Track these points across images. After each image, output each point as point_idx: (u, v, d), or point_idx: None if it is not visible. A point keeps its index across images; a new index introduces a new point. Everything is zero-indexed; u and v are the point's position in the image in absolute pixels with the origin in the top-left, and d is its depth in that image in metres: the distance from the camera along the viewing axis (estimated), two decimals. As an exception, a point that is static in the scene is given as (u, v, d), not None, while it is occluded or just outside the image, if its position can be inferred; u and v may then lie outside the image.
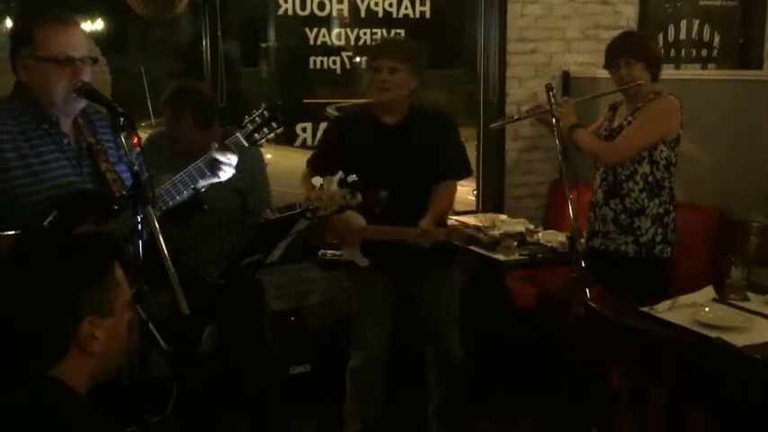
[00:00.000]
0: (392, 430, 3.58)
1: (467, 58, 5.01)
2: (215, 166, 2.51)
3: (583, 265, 3.12)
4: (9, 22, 3.46)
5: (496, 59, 4.82)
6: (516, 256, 3.91)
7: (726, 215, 4.03)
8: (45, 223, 2.18)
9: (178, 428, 2.59)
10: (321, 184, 2.98)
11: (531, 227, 4.34)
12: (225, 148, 2.53)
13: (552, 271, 3.95)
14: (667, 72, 3.77)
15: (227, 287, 3.05)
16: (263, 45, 4.59)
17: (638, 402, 2.81)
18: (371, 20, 4.56)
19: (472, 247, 3.85)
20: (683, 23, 5.25)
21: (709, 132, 4.02)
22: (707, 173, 4.09)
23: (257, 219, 3.10)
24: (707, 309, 2.86)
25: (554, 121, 3.39)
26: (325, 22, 4.48)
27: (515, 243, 3.97)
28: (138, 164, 2.12)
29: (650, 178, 3.38)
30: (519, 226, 4.34)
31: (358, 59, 4.56)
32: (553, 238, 4.11)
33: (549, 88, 3.45)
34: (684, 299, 2.94)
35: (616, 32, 4.84)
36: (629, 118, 3.42)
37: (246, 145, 2.58)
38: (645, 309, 2.87)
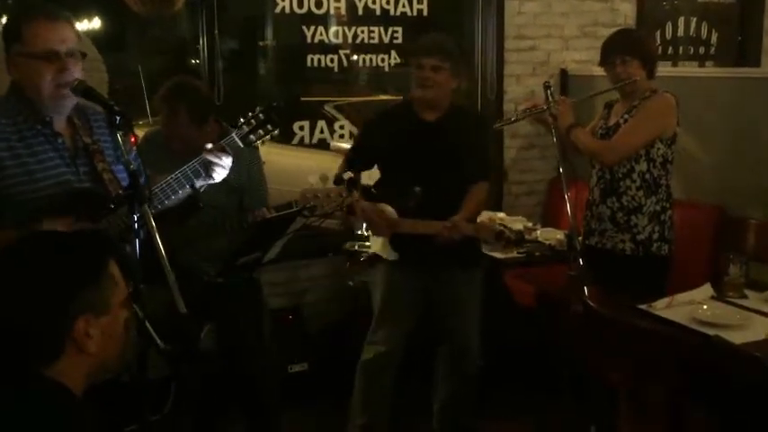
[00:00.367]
0: (396, 426, 3.57)
1: (464, 55, 4.99)
2: (209, 167, 2.50)
3: (581, 263, 3.11)
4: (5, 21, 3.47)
5: (494, 57, 4.82)
6: (514, 254, 3.91)
7: (724, 212, 4.03)
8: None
9: (176, 427, 2.59)
10: (319, 179, 2.99)
11: (530, 225, 4.34)
12: (219, 150, 2.52)
13: (550, 269, 3.94)
14: (665, 69, 3.77)
15: (224, 286, 3.05)
16: (261, 43, 4.58)
17: (637, 400, 2.81)
18: (369, 18, 4.56)
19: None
20: (681, 21, 5.25)
21: (707, 130, 4.02)
22: (705, 170, 4.09)
23: (254, 217, 3.09)
24: (705, 306, 2.86)
25: (551, 119, 3.38)
26: (323, 20, 4.47)
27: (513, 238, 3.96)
28: (136, 163, 2.12)
29: (647, 176, 3.37)
30: (517, 224, 4.33)
31: (355, 58, 4.56)
32: (551, 236, 4.11)
33: (546, 86, 3.44)
34: (682, 296, 2.94)
35: (614, 30, 4.88)
36: (626, 116, 3.41)
37: (242, 146, 2.57)
38: (643, 306, 2.87)
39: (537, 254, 3.97)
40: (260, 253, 3.12)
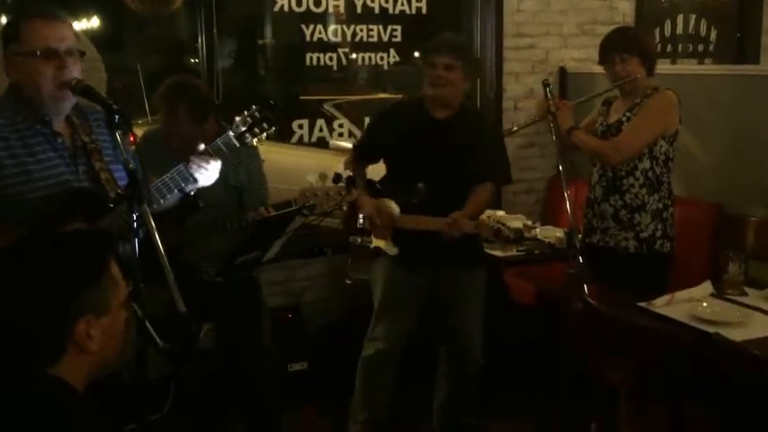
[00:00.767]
0: (396, 423, 3.58)
1: (463, 53, 4.99)
2: (195, 171, 2.49)
3: (580, 260, 3.11)
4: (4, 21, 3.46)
5: (493, 55, 4.81)
6: (514, 252, 3.90)
7: (723, 210, 4.03)
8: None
9: (176, 427, 2.59)
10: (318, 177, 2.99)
11: (529, 223, 4.34)
12: (207, 155, 2.52)
13: (550, 267, 3.94)
14: (664, 67, 3.77)
15: (223, 285, 3.05)
16: (260, 42, 4.58)
17: (638, 398, 2.81)
18: (368, 16, 4.55)
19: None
20: (680, 18, 5.25)
21: (706, 127, 4.02)
22: (705, 168, 4.09)
23: (253, 216, 3.09)
24: (705, 304, 2.86)
25: (550, 117, 3.38)
26: (322, 19, 4.47)
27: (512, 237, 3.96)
28: (135, 162, 2.11)
29: (650, 173, 3.37)
30: (517, 222, 4.33)
31: (354, 56, 4.55)
32: (551, 234, 4.11)
33: (545, 84, 3.44)
34: (682, 294, 2.94)
35: (613, 28, 4.87)
36: (628, 114, 3.40)
37: (238, 145, 2.57)
38: (642, 304, 2.87)
39: (536, 252, 3.97)
40: (259, 252, 3.12)
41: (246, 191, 3.26)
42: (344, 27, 4.52)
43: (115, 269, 1.53)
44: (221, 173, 2.61)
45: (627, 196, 3.40)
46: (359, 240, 3.48)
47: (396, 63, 4.62)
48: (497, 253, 3.88)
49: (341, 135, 4.59)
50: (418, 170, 3.25)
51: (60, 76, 2.25)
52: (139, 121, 4.10)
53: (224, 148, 2.54)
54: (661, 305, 2.86)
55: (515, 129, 3.70)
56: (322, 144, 4.55)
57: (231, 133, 2.56)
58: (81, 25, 4.11)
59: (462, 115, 3.36)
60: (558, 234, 4.04)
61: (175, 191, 2.47)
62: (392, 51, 4.62)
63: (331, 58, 4.50)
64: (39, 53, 2.23)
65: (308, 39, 4.45)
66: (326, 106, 4.58)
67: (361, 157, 3.50)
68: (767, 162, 3.90)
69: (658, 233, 3.38)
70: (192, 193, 2.52)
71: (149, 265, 2.01)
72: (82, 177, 2.33)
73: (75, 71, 2.28)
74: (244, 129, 2.57)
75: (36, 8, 2.32)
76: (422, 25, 4.59)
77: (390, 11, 4.59)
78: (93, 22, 4.21)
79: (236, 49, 4.55)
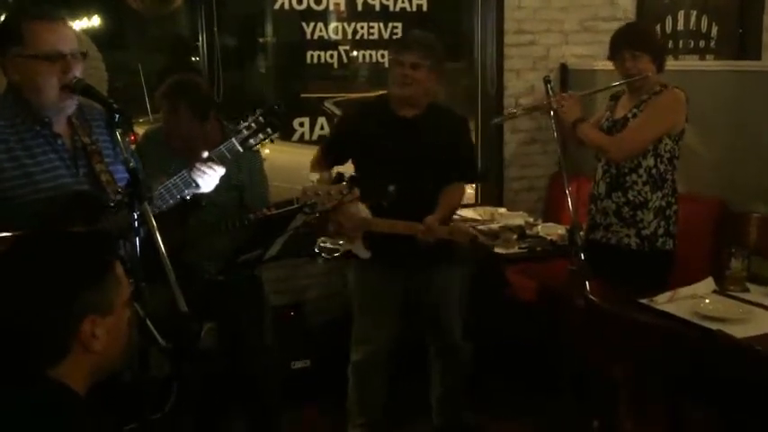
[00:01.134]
0: (395, 422, 3.58)
1: (464, 50, 4.99)
2: (200, 177, 2.49)
3: (582, 257, 3.11)
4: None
5: (494, 52, 4.80)
6: (516, 250, 3.91)
7: (726, 206, 4.02)
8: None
9: (177, 426, 2.59)
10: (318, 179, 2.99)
11: (531, 220, 4.34)
12: (210, 161, 2.51)
13: (552, 264, 3.94)
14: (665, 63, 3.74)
15: (225, 284, 3.05)
16: (260, 40, 4.57)
17: (639, 396, 2.81)
18: (368, 13, 4.55)
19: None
20: (681, 14, 5.24)
21: (708, 124, 4.01)
22: (707, 164, 4.08)
23: (255, 215, 3.09)
24: (707, 300, 2.86)
25: (552, 113, 3.38)
26: (322, 17, 4.46)
27: (515, 236, 3.96)
28: (135, 161, 2.11)
29: (654, 171, 3.36)
30: (518, 219, 4.34)
31: (355, 54, 4.55)
32: (552, 231, 4.11)
33: (546, 81, 3.43)
34: (684, 290, 2.94)
35: (614, 24, 4.85)
36: (634, 110, 3.39)
37: (241, 150, 2.56)
38: (644, 301, 2.87)
39: (538, 249, 3.97)
40: (261, 250, 3.12)
41: (248, 190, 3.26)
42: (345, 25, 4.52)
43: (119, 269, 1.54)
44: (225, 173, 2.61)
45: (630, 193, 3.39)
46: (328, 243, 3.46)
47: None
48: (499, 250, 3.89)
49: (342, 133, 4.58)
50: (387, 171, 3.20)
51: (64, 79, 2.24)
52: (140, 120, 4.10)
53: (228, 155, 2.54)
54: (663, 302, 2.86)
55: (513, 112, 3.69)
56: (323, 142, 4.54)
57: (235, 139, 2.55)
58: (82, 24, 4.11)
59: (430, 114, 3.32)
60: (559, 231, 4.04)
61: (178, 197, 2.46)
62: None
63: (332, 56, 4.50)
64: (44, 57, 2.22)
65: (308, 36, 4.44)
66: (327, 104, 4.58)
67: (327, 158, 3.44)
68: (769, 158, 3.90)
69: (660, 231, 3.37)
70: (189, 197, 2.51)
71: (150, 264, 2.01)
72: (82, 179, 2.32)
73: (77, 73, 2.27)
74: (247, 134, 2.56)
75: (38, 9, 2.30)
76: (422, 22, 4.58)
77: (391, 8, 4.59)
78: (94, 21, 4.21)
79: (237, 48, 4.54)
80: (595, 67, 4.74)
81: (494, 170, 4.93)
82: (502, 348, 4.10)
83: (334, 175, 3.28)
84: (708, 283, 3.02)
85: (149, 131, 3.40)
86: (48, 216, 2.19)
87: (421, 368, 3.63)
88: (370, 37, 4.57)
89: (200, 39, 4.18)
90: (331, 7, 4.46)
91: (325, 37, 4.48)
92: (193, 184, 2.48)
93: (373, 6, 4.56)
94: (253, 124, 2.56)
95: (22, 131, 2.28)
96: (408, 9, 4.61)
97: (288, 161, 4.31)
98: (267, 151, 3.56)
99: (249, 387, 3.29)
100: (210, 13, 4.17)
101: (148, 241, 2.03)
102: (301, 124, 4.50)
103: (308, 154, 4.49)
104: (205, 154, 2.54)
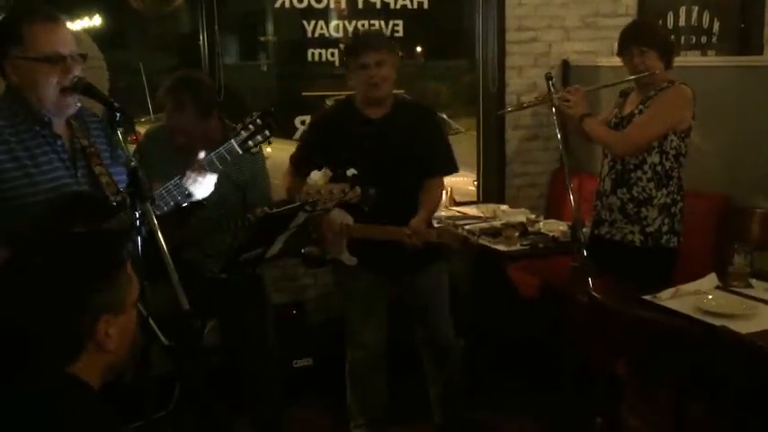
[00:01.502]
0: (397, 421, 3.58)
1: (465, 48, 4.99)
2: (192, 185, 2.49)
3: (585, 254, 3.11)
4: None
5: (495, 49, 4.79)
6: (518, 247, 3.90)
7: (729, 202, 4.01)
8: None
9: (180, 424, 2.59)
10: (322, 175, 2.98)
11: (533, 216, 4.33)
12: (200, 169, 2.51)
13: (554, 261, 3.94)
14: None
15: (227, 282, 3.05)
16: (261, 38, 4.57)
17: (643, 392, 2.80)
18: (369, 11, 4.55)
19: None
20: (683, 10, 5.22)
21: (710, 119, 4.00)
22: (709, 160, 4.07)
23: (256, 213, 3.09)
24: (710, 296, 2.86)
25: (553, 109, 3.37)
26: (323, 14, 4.46)
27: (517, 233, 3.96)
28: (136, 160, 2.11)
29: (659, 168, 3.36)
30: (520, 216, 4.33)
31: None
32: (555, 227, 4.10)
33: (548, 78, 3.42)
34: (687, 287, 2.94)
35: (616, 20, 4.86)
36: (641, 106, 3.39)
37: (240, 152, 2.57)
38: (648, 297, 2.87)
39: (540, 246, 3.96)
40: (263, 249, 3.12)
41: (250, 189, 3.25)
42: (346, 22, 4.51)
43: (129, 267, 1.56)
44: (225, 171, 2.62)
45: (634, 190, 3.39)
46: (314, 251, 3.42)
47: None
48: (501, 247, 3.88)
49: (344, 131, 4.58)
50: (363, 175, 3.17)
51: (64, 81, 2.24)
52: (142, 119, 4.10)
53: (227, 156, 2.54)
54: (666, 298, 2.85)
55: (521, 103, 3.68)
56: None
57: (234, 141, 2.56)
58: (83, 23, 4.11)
59: (398, 111, 3.30)
60: (561, 228, 4.03)
61: (172, 203, 2.46)
62: (394, 46, 4.61)
63: (333, 54, 4.50)
64: (45, 59, 2.21)
65: (309, 34, 4.44)
66: (329, 102, 4.57)
67: (299, 169, 3.39)
68: (772, 153, 3.89)
69: (665, 228, 3.37)
70: (185, 206, 2.51)
71: (152, 262, 2.01)
72: (81, 181, 2.32)
73: (76, 73, 2.27)
74: (246, 136, 2.57)
75: (38, 10, 2.29)
76: (423, 20, 4.58)
77: (392, 6, 4.58)
78: (95, 21, 4.22)
79: (238, 46, 4.55)
80: (597, 64, 4.73)
81: (495, 167, 4.93)
82: (504, 345, 4.10)
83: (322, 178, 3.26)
84: (711, 279, 3.01)
85: (151, 131, 3.40)
86: (48, 216, 2.18)
87: (421, 367, 3.63)
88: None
89: (201, 37, 4.18)
90: (332, 5, 4.46)
91: (326, 35, 4.48)
92: (186, 192, 2.47)
93: (374, 4, 4.55)
94: (251, 126, 2.57)
95: (22, 132, 2.27)
96: (409, 6, 4.61)
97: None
98: (269, 150, 3.55)
99: (251, 385, 3.29)
100: (211, 12, 4.17)
101: (150, 240, 2.03)
102: (303, 122, 4.50)
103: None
104: (202, 154, 2.54)
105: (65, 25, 2.31)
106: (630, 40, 3.39)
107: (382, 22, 4.58)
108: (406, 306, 3.46)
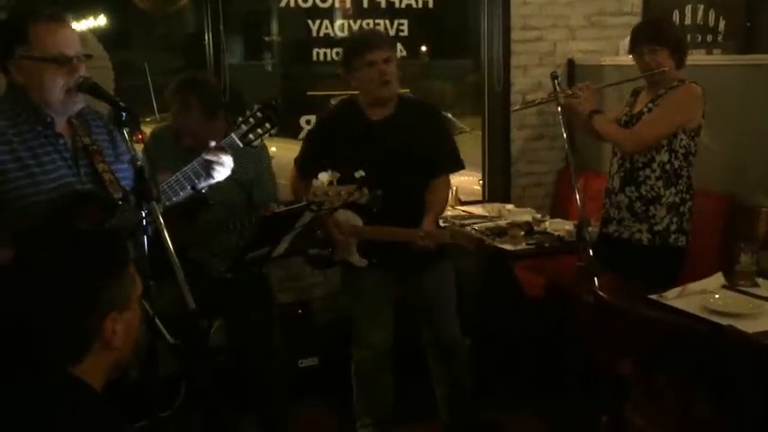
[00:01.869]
0: (402, 421, 3.58)
1: (470, 47, 4.99)
2: (209, 167, 2.49)
3: (591, 253, 3.10)
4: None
5: (500, 48, 4.79)
6: (524, 246, 3.90)
7: (735, 201, 4.01)
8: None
9: (186, 423, 2.59)
10: (331, 181, 2.97)
11: (538, 216, 4.33)
12: (219, 150, 2.52)
13: (560, 260, 3.93)
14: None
15: (232, 281, 3.05)
16: (266, 38, 4.57)
17: (649, 391, 2.80)
18: (374, 10, 4.55)
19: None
20: (688, 8, 5.21)
21: (716, 118, 3.98)
22: (716, 159, 4.06)
23: (270, 207, 3.09)
24: (717, 296, 2.85)
25: (559, 108, 3.37)
26: (328, 14, 4.46)
27: (522, 233, 3.95)
28: (142, 159, 2.11)
29: (668, 166, 3.35)
30: (526, 215, 4.33)
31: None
32: (560, 226, 4.09)
33: (554, 77, 3.42)
34: (694, 286, 2.93)
35: (621, 19, 4.86)
36: (650, 105, 3.39)
37: (241, 145, 2.57)
38: (654, 296, 2.86)
39: (546, 245, 3.95)
40: (269, 248, 3.12)
41: (256, 188, 3.26)
42: (351, 22, 4.51)
43: (132, 265, 1.56)
44: (231, 171, 2.62)
45: (643, 188, 3.38)
46: (322, 253, 3.41)
47: (402, 57, 4.60)
48: (507, 246, 3.88)
49: (349, 130, 4.58)
50: (368, 176, 3.13)
51: (70, 82, 2.24)
52: (147, 119, 4.11)
53: (228, 150, 2.54)
54: (672, 297, 2.85)
55: (532, 100, 3.67)
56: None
57: (234, 134, 2.56)
58: (88, 23, 4.12)
59: (403, 111, 3.29)
60: (567, 227, 4.02)
61: (188, 187, 2.47)
62: (399, 46, 4.60)
63: (338, 53, 4.48)
64: (52, 59, 2.22)
65: (314, 34, 4.44)
66: (334, 101, 4.57)
67: (304, 172, 3.36)
68: (778, 152, 3.88)
69: (673, 227, 3.36)
70: (204, 189, 2.51)
71: (158, 261, 2.01)
72: (84, 179, 2.32)
73: (81, 73, 2.28)
74: (246, 129, 2.57)
75: (42, 10, 2.30)
76: (428, 19, 4.58)
77: (397, 5, 4.58)
78: (101, 21, 4.22)
79: (243, 46, 4.55)
80: (603, 63, 4.72)
81: (501, 166, 4.92)
82: (510, 345, 4.09)
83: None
84: (717, 279, 3.01)
85: (157, 131, 3.41)
86: (52, 215, 2.19)
87: (427, 366, 3.62)
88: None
89: (206, 37, 4.18)
90: (337, 4, 4.46)
91: (331, 34, 4.48)
92: (203, 175, 2.48)
93: (379, 3, 4.55)
94: (251, 119, 2.57)
95: (25, 132, 2.27)
96: (414, 6, 4.61)
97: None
98: (274, 149, 3.56)
99: (256, 385, 3.29)
100: (216, 12, 4.17)
101: (156, 239, 2.03)
102: (308, 122, 4.50)
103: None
104: (212, 143, 2.54)
105: (70, 25, 2.31)
106: (642, 38, 3.38)
107: (387, 22, 4.58)
108: (411, 306, 3.46)
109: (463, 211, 4.59)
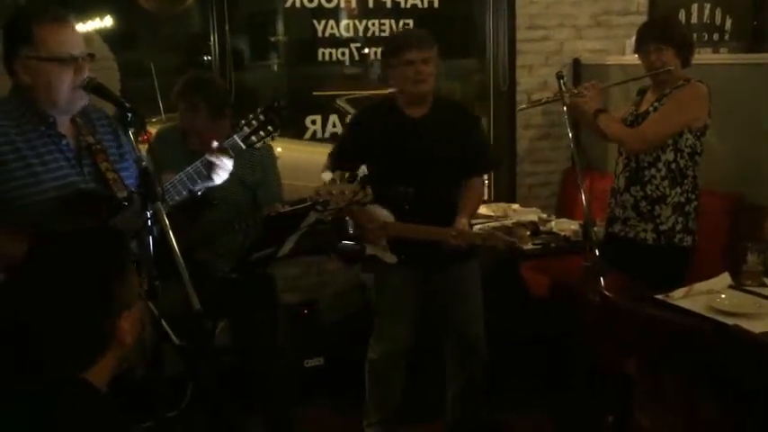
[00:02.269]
0: (409, 420, 3.57)
1: (476, 47, 4.98)
2: (211, 169, 2.50)
3: (597, 253, 3.09)
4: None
5: (506, 48, 4.79)
6: (530, 246, 3.89)
7: (742, 200, 3.99)
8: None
9: (192, 424, 2.60)
10: (332, 179, 2.97)
11: (544, 216, 4.32)
12: (221, 152, 2.52)
13: (566, 260, 3.93)
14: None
15: (238, 282, 3.05)
16: (272, 38, 4.58)
17: (655, 391, 2.79)
18: (379, 10, 4.55)
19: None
20: (695, 7, 5.19)
21: (723, 117, 3.97)
22: (722, 158, 4.05)
23: (268, 210, 3.10)
24: (723, 295, 2.84)
25: (565, 108, 3.36)
26: (334, 14, 4.47)
27: (528, 232, 3.94)
28: (147, 160, 2.11)
29: (673, 166, 3.34)
30: (531, 215, 4.32)
31: (366, 51, 4.54)
32: (566, 226, 4.08)
33: (559, 76, 3.41)
34: (700, 286, 2.92)
35: (628, 18, 4.85)
36: (656, 104, 3.38)
37: (244, 147, 2.57)
38: (660, 296, 2.85)
39: (552, 245, 3.95)
40: (274, 248, 3.12)
41: (261, 189, 3.26)
42: (356, 22, 4.52)
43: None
44: (237, 171, 2.62)
45: (648, 187, 3.38)
46: (352, 247, 3.42)
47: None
48: (513, 246, 3.87)
49: (354, 130, 4.57)
50: (403, 174, 3.18)
51: (76, 81, 2.26)
52: (153, 120, 4.11)
53: (231, 152, 2.55)
54: (679, 297, 2.84)
55: (538, 99, 3.67)
56: (335, 140, 4.53)
57: (236, 136, 2.56)
58: (94, 24, 4.12)
59: (439, 110, 3.29)
60: (573, 227, 4.02)
61: (189, 188, 2.47)
62: (405, 45, 4.60)
63: (343, 53, 4.50)
64: (58, 59, 2.23)
65: (320, 34, 4.45)
66: (339, 101, 4.58)
67: (338, 167, 3.35)
68: (785, 151, 3.86)
69: (678, 227, 3.35)
70: (201, 191, 2.51)
71: (164, 262, 2.01)
72: (88, 178, 2.33)
73: (86, 72, 2.29)
74: (249, 131, 2.57)
75: (48, 10, 2.31)
76: (434, 19, 4.57)
77: (402, 5, 4.58)
78: (106, 21, 4.22)
79: (249, 46, 4.55)
80: (609, 62, 4.71)
81: (506, 166, 4.92)
82: (515, 344, 4.09)
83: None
84: (724, 278, 3.00)
85: (162, 131, 3.41)
86: (56, 214, 2.20)
87: (434, 369, 3.62)
88: (382, 34, 4.56)
89: (212, 38, 4.19)
90: (342, 4, 4.46)
91: (337, 34, 4.48)
92: (204, 175, 2.48)
93: (384, 3, 4.55)
94: (254, 122, 2.58)
95: (28, 132, 2.28)
96: (420, 5, 4.61)
97: (301, 159, 4.31)
98: (279, 149, 3.56)
99: (261, 385, 3.29)
100: (222, 12, 4.18)
101: (161, 239, 2.04)
102: (313, 122, 4.50)
103: (320, 152, 4.50)
104: (215, 144, 2.55)
105: (73, 26, 2.33)
106: (647, 37, 3.38)
107: (392, 22, 4.58)
108: (436, 300, 3.43)
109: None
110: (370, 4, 4.52)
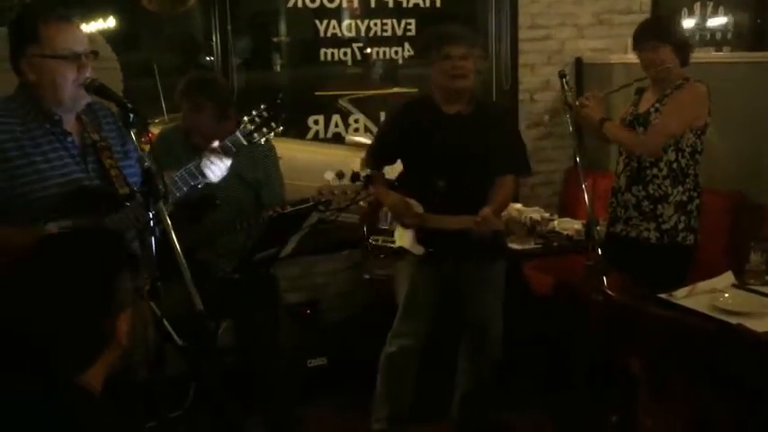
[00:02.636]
0: (416, 419, 3.57)
1: (478, 46, 4.97)
2: (207, 167, 2.50)
3: (599, 252, 3.09)
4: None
5: (508, 47, 4.78)
6: (532, 245, 3.89)
7: (744, 199, 3.99)
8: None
9: (195, 424, 2.60)
10: (336, 176, 2.99)
11: (547, 215, 4.32)
12: (220, 151, 2.52)
13: (568, 259, 3.92)
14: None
15: (240, 282, 3.05)
16: (274, 38, 4.57)
17: (658, 389, 2.79)
18: (381, 10, 4.54)
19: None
20: (697, 6, 5.19)
21: (725, 116, 3.97)
22: (724, 157, 4.05)
23: (270, 211, 3.10)
24: (726, 294, 2.83)
25: (568, 107, 3.37)
26: (336, 14, 4.46)
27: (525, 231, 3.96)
28: (150, 160, 2.12)
29: (675, 165, 3.35)
30: (534, 214, 4.32)
31: (369, 51, 4.54)
32: (569, 225, 4.08)
33: (561, 75, 3.42)
34: (703, 285, 2.91)
35: (630, 17, 4.84)
36: (657, 105, 3.39)
37: (245, 143, 2.58)
38: (663, 295, 2.85)
39: (555, 244, 3.95)
40: (276, 248, 3.12)
41: (264, 188, 3.26)
42: (358, 22, 4.51)
43: None
44: (239, 171, 2.63)
45: (650, 187, 3.38)
46: (380, 240, 3.46)
47: (410, 57, 4.60)
48: (516, 245, 3.87)
49: (356, 130, 4.58)
50: (437, 168, 3.22)
51: (80, 78, 2.30)
52: (156, 120, 4.11)
53: (233, 148, 2.55)
54: (682, 296, 2.84)
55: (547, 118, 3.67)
56: (338, 140, 4.55)
57: (239, 133, 2.57)
58: (97, 25, 4.12)
59: (476, 108, 3.32)
60: (576, 226, 4.02)
61: (188, 186, 2.48)
62: (407, 45, 4.60)
63: (345, 54, 4.50)
64: (63, 57, 2.27)
65: (322, 34, 4.44)
66: (342, 101, 4.57)
67: (375, 161, 3.44)
68: (788, 150, 3.86)
69: (681, 225, 3.35)
70: (201, 184, 2.52)
71: (166, 262, 2.01)
72: (92, 175, 2.36)
73: (88, 72, 2.31)
74: (252, 128, 2.58)
75: (53, 9, 2.34)
76: (436, 19, 4.57)
77: (404, 4, 4.58)
78: (109, 22, 4.23)
79: (251, 46, 4.55)
80: (611, 61, 4.71)
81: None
82: (518, 344, 4.08)
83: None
84: (727, 277, 2.99)
85: (164, 131, 3.41)
86: (59, 210, 2.21)
87: (442, 369, 3.61)
88: (384, 34, 4.56)
89: (214, 38, 4.19)
90: (344, 4, 4.46)
91: (339, 34, 4.48)
92: (201, 175, 2.49)
93: (386, 3, 4.54)
94: (257, 119, 2.59)
95: (33, 129, 2.32)
96: (422, 5, 4.60)
97: (303, 159, 4.31)
98: (281, 149, 3.56)
99: (262, 385, 3.29)
100: (224, 12, 4.17)
101: (164, 240, 2.04)
102: (316, 122, 4.50)
103: (322, 152, 4.51)
104: (215, 143, 2.55)
105: (77, 25, 2.38)
106: (645, 35, 3.39)
107: (395, 21, 4.58)
108: (459, 295, 3.43)
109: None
110: (372, 4, 4.52)
